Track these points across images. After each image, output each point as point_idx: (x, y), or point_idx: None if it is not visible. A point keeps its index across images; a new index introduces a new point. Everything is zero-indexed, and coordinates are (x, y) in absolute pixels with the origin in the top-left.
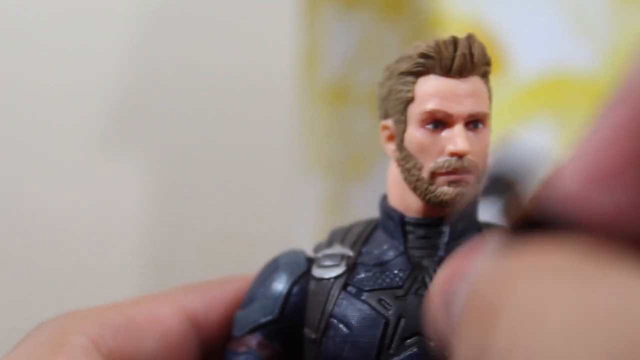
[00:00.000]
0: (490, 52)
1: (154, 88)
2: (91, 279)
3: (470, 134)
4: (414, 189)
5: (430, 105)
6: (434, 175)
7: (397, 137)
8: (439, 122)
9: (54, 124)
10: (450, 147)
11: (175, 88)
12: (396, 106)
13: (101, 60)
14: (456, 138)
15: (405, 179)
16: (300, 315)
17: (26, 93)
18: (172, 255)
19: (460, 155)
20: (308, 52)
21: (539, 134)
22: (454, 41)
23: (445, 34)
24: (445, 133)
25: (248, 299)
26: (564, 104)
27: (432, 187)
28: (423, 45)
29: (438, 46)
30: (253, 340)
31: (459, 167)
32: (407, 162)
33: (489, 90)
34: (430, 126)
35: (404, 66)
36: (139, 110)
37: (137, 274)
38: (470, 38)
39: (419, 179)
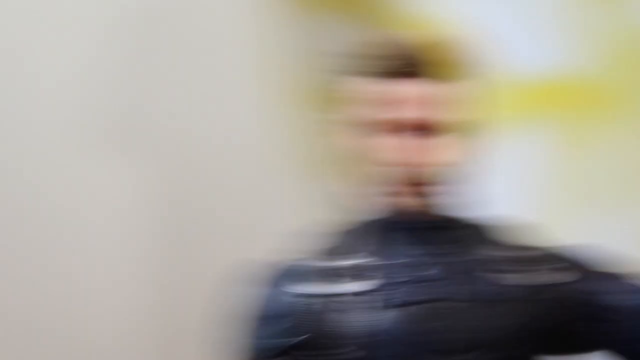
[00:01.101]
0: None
1: (138, 91)
2: (87, 271)
3: (421, 142)
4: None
5: (375, 112)
6: (379, 183)
7: (347, 135)
8: (384, 127)
9: (51, 123)
10: (391, 156)
11: (156, 90)
12: (340, 104)
13: (87, 61)
14: (399, 148)
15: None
16: (330, 333)
17: (23, 92)
18: (162, 247)
19: (408, 165)
20: (280, 53)
21: (538, 136)
22: (399, 43)
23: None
24: (391, 140)
25: (257, 317)
26: (563, 105)
27: (379, 196)
28: (369, 43)
29: (383, 46)
30: None
31: (404, 178)
32: (358, 162)
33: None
34: (375, 131)
35: (349, 63)
36: (126, 115)
37: (129, 264)
38: (426, 39)
39: (368, 184)
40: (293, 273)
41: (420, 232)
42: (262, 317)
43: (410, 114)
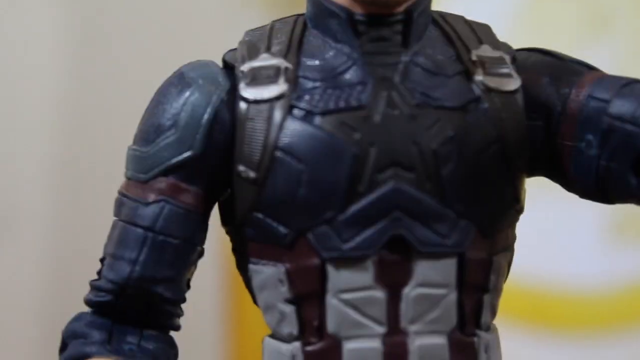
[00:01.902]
0: None
1: None
2: None
3: None
4: None
5: None
6: None
7: None
8: None
9: None
10: None
11: None
12: None
13: None
14: None
15: None
16: (229, 148)
17: None
18: (94, 94)
19: None
20: None
21: None
22: None
23: None
24: None
25: (149, 128)
26: None
27: None
28: None
29: None
30: (165, 184)
31: None
32: None
33: None
34: None
35: None
36: None
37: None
38: None
39: None
40: (190, 76)
41: (353, 25)
42: (147, 123)
43: None
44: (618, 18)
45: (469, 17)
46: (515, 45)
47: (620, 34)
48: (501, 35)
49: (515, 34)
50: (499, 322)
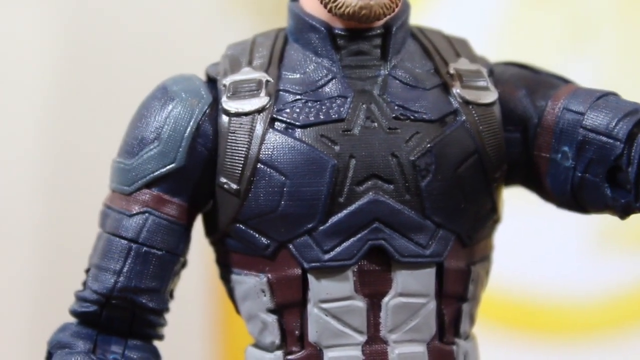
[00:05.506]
0: None
1: None
2: None
3: None
4: None
5: None
6: None
7: None
8: None
9: None
10: None
11: None
12: None
13: None
14: None
15: None
16: (212, 160)
17: None
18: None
19: None
20: None
21: None
22: None
23: None
24: None
25: (133, 141)
26: None
27: None
28: None
29: None
30: (148, 196)
31: None
32: None
33: None
34: None
35: None
36: None
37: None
38: None
39: None
40: (173, 90)
41: (333, 39)
42: (131, 136)
43: None
44: (602, 30)
45: (454, 30)
46: (500, 56)
47: (604, 45)
48: (486, 47)
49: (500, 45)
50: (484, 329)
